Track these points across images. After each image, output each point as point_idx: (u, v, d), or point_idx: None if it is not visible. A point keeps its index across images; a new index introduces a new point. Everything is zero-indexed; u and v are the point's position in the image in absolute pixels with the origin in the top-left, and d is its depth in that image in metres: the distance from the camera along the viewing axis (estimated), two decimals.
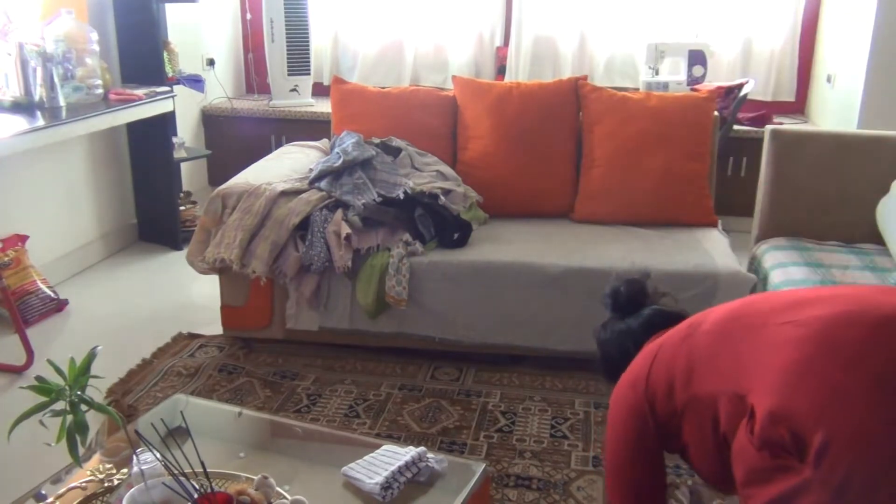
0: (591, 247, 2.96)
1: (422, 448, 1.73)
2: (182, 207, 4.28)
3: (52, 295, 3.44)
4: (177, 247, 4.18)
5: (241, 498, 1.48)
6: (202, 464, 1.45)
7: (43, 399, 1.45)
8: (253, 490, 1.53)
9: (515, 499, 2.24)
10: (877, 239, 2.87)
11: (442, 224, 2.98)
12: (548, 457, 2.44)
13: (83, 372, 1.47)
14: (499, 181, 3.28)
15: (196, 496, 1.45)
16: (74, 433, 1.43)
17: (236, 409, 2.17)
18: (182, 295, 3.67)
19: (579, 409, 2.71)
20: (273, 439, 2.03)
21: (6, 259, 3.30)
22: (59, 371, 1.50)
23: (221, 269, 3.02)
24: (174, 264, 4.00)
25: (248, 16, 5.09)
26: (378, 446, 1.76)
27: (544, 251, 2.92)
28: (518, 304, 2.87)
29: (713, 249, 2.91)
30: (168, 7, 4.21)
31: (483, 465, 1.75)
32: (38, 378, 1.49)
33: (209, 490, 1.44)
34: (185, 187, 4.48)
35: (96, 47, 3.53)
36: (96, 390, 1.56)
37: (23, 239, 3.44)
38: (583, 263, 2.83)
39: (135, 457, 1.57)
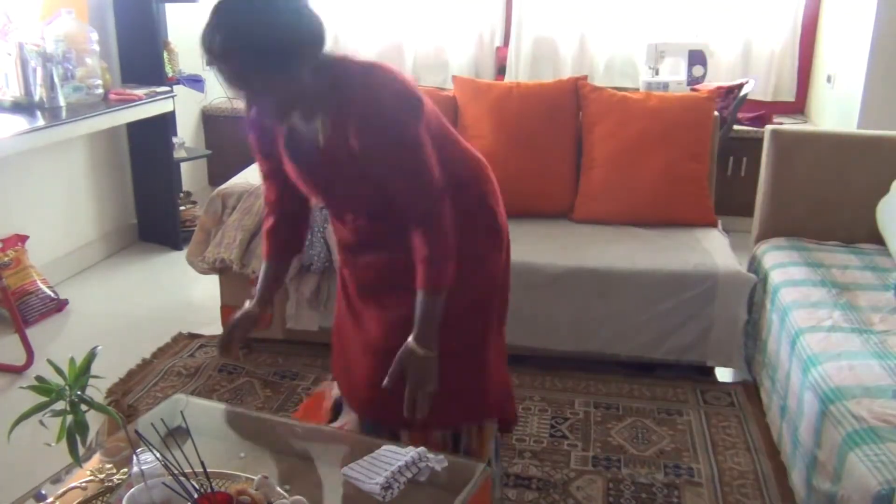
0: (591, 247, 2.96)
1: (422, 448, 1.72)
2: (182, 207, 4.28)
3: (52, 295, 3.44)
4: (177, 247, 4.18)
5: (241, 498, 1.48)
6: (202, 464, 1.45)
7: (43, 399, 1.45)
8: (253, 490, 1.53)
9: (515, 498, 2.24)
10: (877, 239, 2.87)
11: None
12: (547, 456, 2.44)
13: (83, 372, 1.47)
14: (499, 181, 3.26)
15: (196, 496, 1.45)
16: (74, 433, 1.43)
17: (238, 409, 2.16)
18: (182, 295, 3.67)
19: (579, 408, 2.71)
20: (273, 439, 2.03)
21: (6, 259, 3.30)
22: (59, 371, 1.50)
23: (221, 269, 3.02)
24: (174, 264, 4.00)
25: None
26: (378, 446, 1.75)
27: (544, 251, 2.92)
28: (518, 304, 2.86)
29: (713, 249, 2.91)
30: (168, 7, 4.22)
31: (483, 465, 1.75)
32: (38, 378, 1.49)
33: (209, 490, 1.44)
34: (185, 187, 4.49)
35: (96, 47, 3.54)
36: (96, 390, 1.56)
37: (23, 239, 3.44)
38: (583, 263, 2.83)
39: (135, 457, 1.57)
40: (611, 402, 2.75)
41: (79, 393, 1.46)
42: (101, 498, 1.63)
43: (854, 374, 2.00)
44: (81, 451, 1.46)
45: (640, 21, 4.70)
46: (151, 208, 4.26)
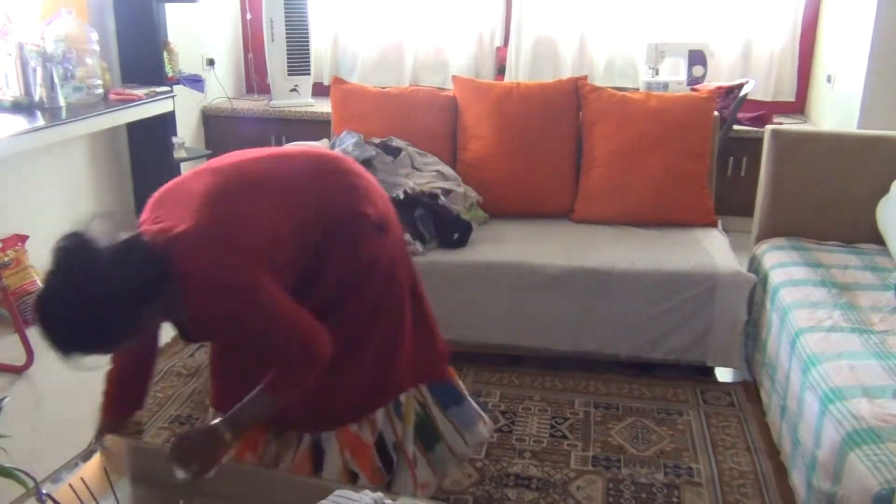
0: (591, 247, 2.96)
1: (378, 494, 1.52)
2: None
3: None
4: None
5: None
6: None
7: None
8: None
9: (515, 498, 2.24)
10: (877, 239, 2.87)
11: (442, 224, 2.98)
12: (547, 456, 2.44)
13: None
14: (499, 181, 3.28)
15: None
16: None
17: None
18: None
19: (579, 408, 2.71)
20: (217, 484, 1.73)
21: (6, 259, 3.30)
22: None
23: None
24: None
25: (248, 16, 5.08)
26: (331, 490, 1.53)
27: (544, 251, 2.92)
28: (518, 304, 2.87)
29: (713, 249, 2.92)
30: (168, 7, 4.21)
31: None
32: None
33: None
34: None
35: (96, 47, 3.53)
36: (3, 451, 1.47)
37: (23, 239, 3.44)
38: (583, 263, 2.83)
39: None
40: (611, 402, 2.76)
41: None
42: None
43: (854, 374, 2.01)
44: None
45: (640, 21, 4.70)
46: None
